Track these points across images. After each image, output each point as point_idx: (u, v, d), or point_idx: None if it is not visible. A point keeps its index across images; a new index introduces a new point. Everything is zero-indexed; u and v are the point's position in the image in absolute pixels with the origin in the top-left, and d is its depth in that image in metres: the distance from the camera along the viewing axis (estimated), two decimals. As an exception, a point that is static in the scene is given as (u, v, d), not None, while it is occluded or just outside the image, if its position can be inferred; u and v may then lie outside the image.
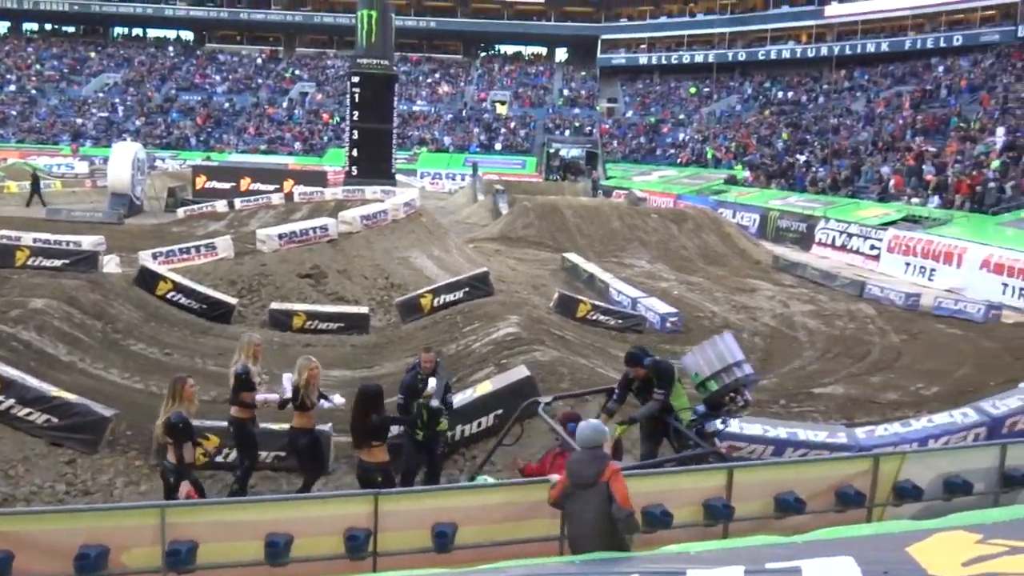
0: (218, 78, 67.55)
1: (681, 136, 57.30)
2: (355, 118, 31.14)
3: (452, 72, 70.34)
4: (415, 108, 63.69)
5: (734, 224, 32.71)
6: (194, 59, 70.20)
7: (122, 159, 32.24)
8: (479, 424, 9.63)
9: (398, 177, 34.47)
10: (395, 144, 33.34)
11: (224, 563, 5.69)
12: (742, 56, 62.12)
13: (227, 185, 33.73)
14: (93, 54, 69.39)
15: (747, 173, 44.74)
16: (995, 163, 30.33)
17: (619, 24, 67.92)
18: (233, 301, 16.53)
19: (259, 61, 70.42)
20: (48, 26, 72.43)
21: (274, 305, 16.34)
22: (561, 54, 74.12)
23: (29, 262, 16.03)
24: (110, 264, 17.42)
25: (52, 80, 65.42)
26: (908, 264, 26.01)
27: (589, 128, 60.82)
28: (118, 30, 73.27)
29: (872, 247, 28.17)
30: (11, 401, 9.17)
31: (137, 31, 73.62)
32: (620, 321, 17.45)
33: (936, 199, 30.17)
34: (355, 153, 31.26)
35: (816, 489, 6.70)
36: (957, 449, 7.89)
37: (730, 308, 20.27)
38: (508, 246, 27.69)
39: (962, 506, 6.50)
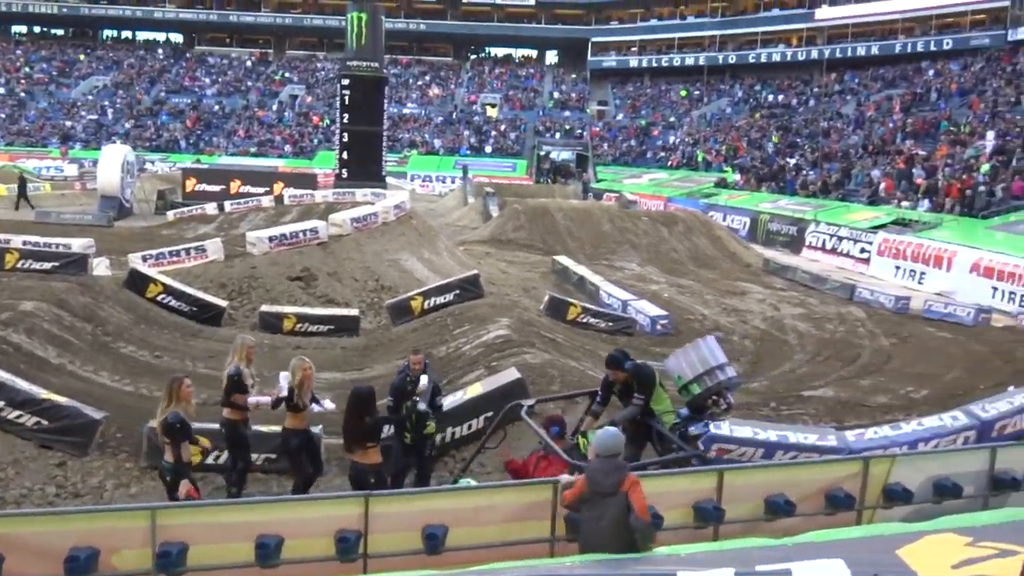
0: (208, 80, 67.42)
1: (671, 139, 57.47)
2: (345, 120, 31.17)
3: (442, 75, 70.40)
4: (405, 110, 63.72)
5: (724, 227, 32.78)
6: (183, 62, 70.05)
7: (112, 162, 32.17)
8: (469, 426, 9.63)
9: (388, 180, 34.48)
10: (385, 146, 33.38)
11: (215, 565, 5.67)
12: (732, 59, 62.35)
13: (217, 188, 33.73)
14: (82, 57, 69.20)
15: (737, 176, 44.84)
16: (985, 167, 30.46)
17: (609, 27, 68.08)
18: (223, 303, 16.48)
19: (249, 63, 70.32)
20: (37, 29, 72.22)
21: (264, 307, 16.32)
22: (551, 56, 74.23)
23: (19, 265, 16.01)
24: (100, 267, 17.38)
25: (41, 83, 65.22)
26: (898, 267, 26.10)
27: (579, 131, 60.91)
28: (107, 32, 73.06)
29: (862, 250, 28.26)
30: (1, 403, 9.14)
31: (126, 34, 73.43)
32: (610, 324, 17.47)
33: (926, 202, 30.28)
34: (345, 156, 31.29)
35: (806, 491, 6.72)
36: (947, 452, 7.91)
37: (720, 311, 20.32)
38: (498, 249, 27.70)
39: (952, 509, 6.53)
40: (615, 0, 67.35)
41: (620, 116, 63.94)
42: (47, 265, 16.11)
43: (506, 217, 31.06)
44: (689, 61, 63.76)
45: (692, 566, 5.07)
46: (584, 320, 17.28)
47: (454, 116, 63.74)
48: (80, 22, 70.70)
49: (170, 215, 30.34)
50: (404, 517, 6.04)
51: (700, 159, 50.83)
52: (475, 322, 15.38)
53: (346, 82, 31.17)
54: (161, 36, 73.48)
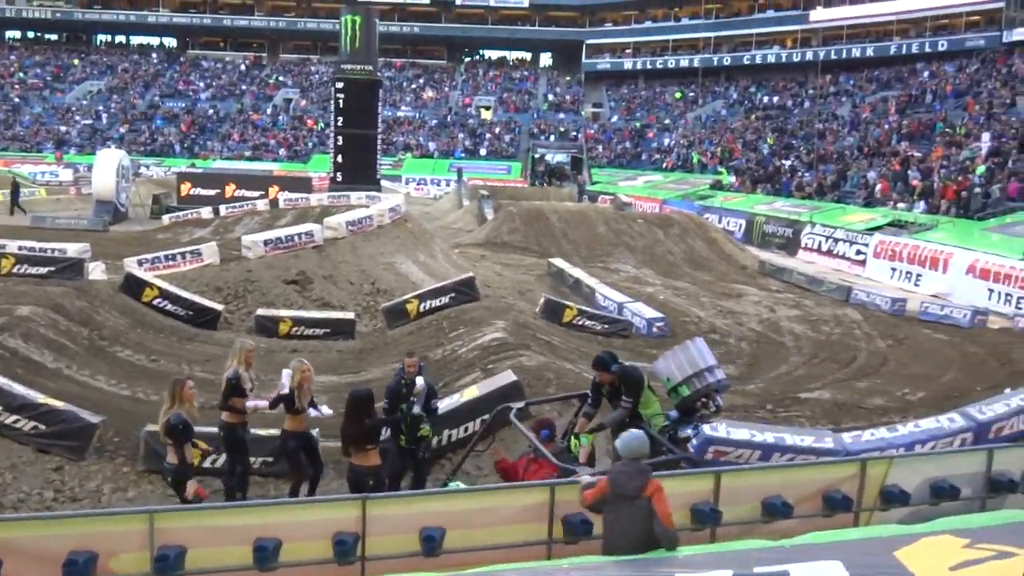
0: (202, 84, 67.33)
1: (666, 141, 57.50)
2: (339, 124, 31.20)
3: (436, 77, 70.40)
4: (400, 114, 63.72)
5: (720, 229, 32.84)
6: (177, 66, 69.95)
7: (106, 166, 32.18)
8: (466, 429, 9.61)
9: (383, 183, 34.50)
10: (380, 150, 33.36)
11: (213, 568, 5.68)
12: (727, 61, 62.44)
13: (212, 192, 33.75)
14: (76, 61, 69.06)
15: (733, 178, 44.89)
16: (980, 168, 30.55)
17: (604, 29, 68.11)
18: (219, 307, 16.51)
19: (243, 67, 70.24)
20: (31, 34, 72.07)
21: (260, 311, 16.32)
22: (546, 59, 74.23)
23: (14, 270, 16.04)
24: (95, 271, 17.39)
25: (35, 88, 65.09)
26: (894, 269, 26.15)
27: (574, 133, 60.94)
28: (101, 37, 72.91)
29: (858, 252, 28.30)
30: (-3, 408, 9.13)
31: (120, 38, 73.29)
32: (606, 326, 17.48)
33: (922, 204, 30.35)
34: (340, 159, 31.31)
35: (804, 493, 6.73)
36: (944, 454, 7.92)
37: (716, 313, 20.33)
38: (494, 251, 27.71)
39: (949, 511, 6.54)
40: (609, 2, 67.38)
41: (615, 118, 64.01)
42: (43, 270, 16.12)
43: (501, 220, 31.07)
44: (684, 63, 63.80)
45: (690, 568, 5.07)
46: (580, 322, 17.28)
47: (448, 119, 63.76)
48: (74, 27, 70.53)
49: (165, 219, 30.36)
50: (402, 519, 6.03)
51: (695, 161, 50.89)
52: (471, 325, 15.38)
53: (340, 85, 31.20)
54: (155, 40, 73.32)
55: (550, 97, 67.14)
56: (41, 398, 9.50)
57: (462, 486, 7.54)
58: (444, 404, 9.64)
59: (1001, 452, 7.33)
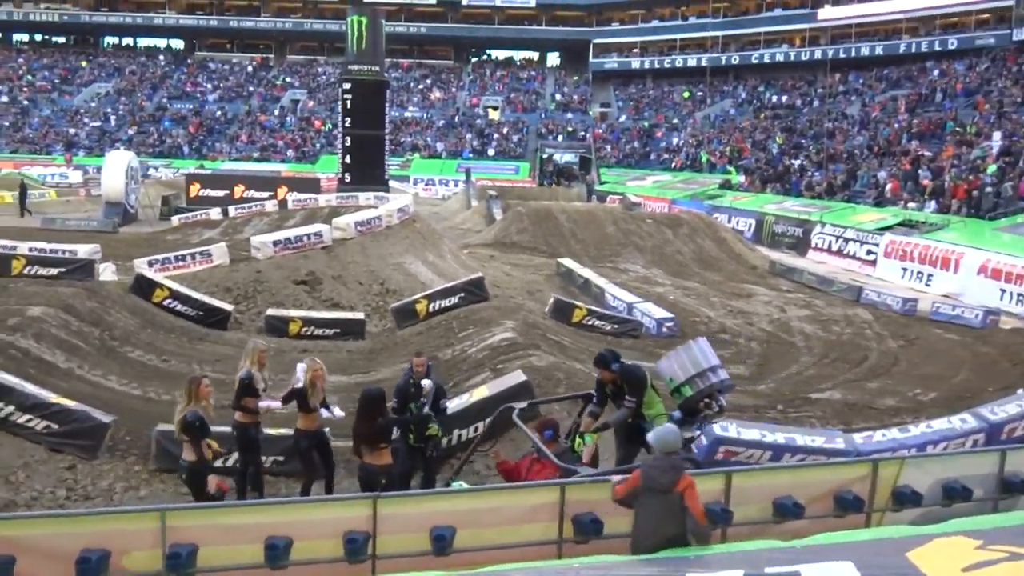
0: (209, 86, 67.56)
1: (675, 140, 57.38)
2: (347, 125, 31.18)
3: (444, 78, 70.46)
4: (407, 114, 63.78)
5: (730, 229, 32.76)
6: (185, 67, 70.20)
7: (116, 168, 32.32)
8: (475, 429, 9.60)
9: (391, 183, 34.51)
10: (388, 150, 33.38)
11: (224, 566, 5.70)
12: (735, 60, 62.31)
13: (221, 193, 33.83)
14: (84, 64, 69.38)
15: (742, 178, 44.79)
16: (991, 167, 30.41)
17: (611, 28, 68.08)
18: (229, 308, 16.55)
19: (250, 69, 70.44)
20: (39, 37, 72.45)
21: (270, 311, 16.36)
22: (553, 59, 74.23)
23: (25, 271, 16.10)
24: (106, 272, 17.45)
25: (44, 90, 65.39)
26: (905, 269, 26.05)
27: (582, 133, 60.89)
28: (109, 39, 73.24)
29: (869, 252, 28.21)
30: (11, 408, 9.19)
31: (127, 40, 73.62)
32: (616, 326, 17.45)
33: (933, 204, 30.23)
34: (348, 160, 31.29)
35: (815, 494, 6.71)
36: (956, 455, 7.88)
37: (726, 313, 20.30)
38: (502, 252, 27.71)
39: (961, 512, 6.52)
40: (616, 1, 67.33)
41: (623, 118, 63.95)
42: (54, 271, 16.18)
43: (510, 220, 31.07)
44: (692, 62, 63.75)
45: (701, 568, 5.07)
46: (590, 322, 17.27)
47: (456, 119, 63.79)
48: (81, 29, 70.85)
49: (175, 220, 30.47)
50: (412, 518, 6.04)
51: (704, 161, 50.78)
52: (480, 325, 15.39)
53: (347, 86, 31.19)
54: (162, 42, 73.65)
55: (558, 97, 67.12)
56: (53, 398, 9.56)
57: (465, 486, 7.54)
58: (454, 404, 9.67)
59: (1014, 453, 7.28)
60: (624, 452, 8.13)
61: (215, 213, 29.91)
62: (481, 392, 10.13)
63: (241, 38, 71.90)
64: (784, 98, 57.04)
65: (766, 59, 60.62)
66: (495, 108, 65.61)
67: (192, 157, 56.93)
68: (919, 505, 6.83)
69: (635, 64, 66.90)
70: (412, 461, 8.50)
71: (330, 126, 57.93)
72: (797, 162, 43.32)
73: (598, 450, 7.96)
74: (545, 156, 55.38)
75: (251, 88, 67.78)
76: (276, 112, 64.30)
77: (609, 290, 20.20)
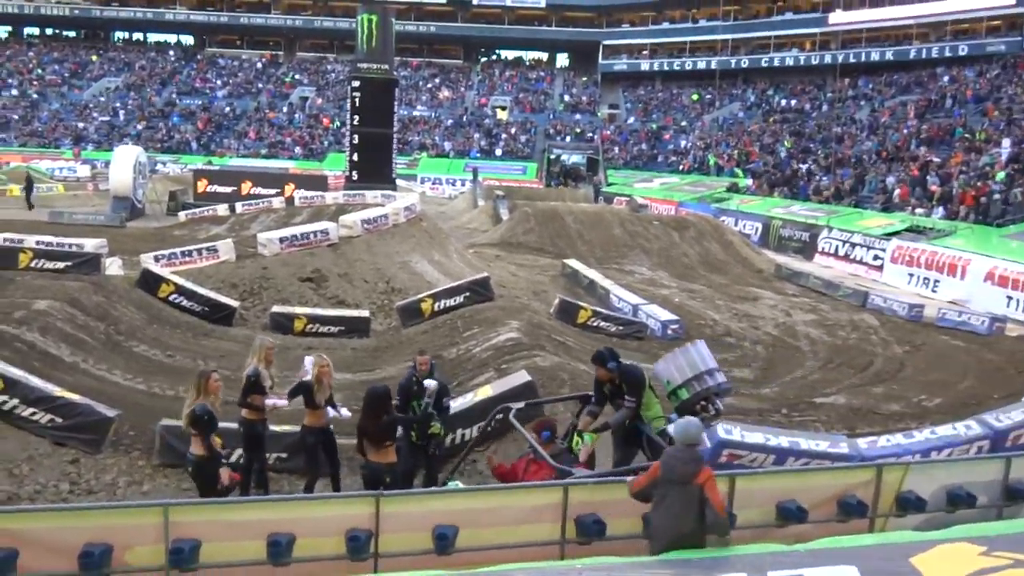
0: (218, 82, 67.71)
1: (683, 143, 57.32)
2: (355, 123, 31.22)
3: (452, 77, 70.49)
4: (415, 113, 63.81)
5: (736, 232, 32.70)
6: (194, 63, 70.37)
7: (124, 163, 32.40)
8: (479, 428, 9.61)
9: (398, 182, 34.55)
10: (395, 149, 33.41)
11: (227, 562, 5.70)
12: (745, 63, 62.20)
13: (228, 189, 33.97)
14: (94, 58, 69.61)
15: (749, 181, 44.73)
16: (1000, 174, 30.34)
17: (621, 30, 68.01)
18: (235, 304, 16.57)
19: (259, 65, 70.56)
20: (49, 31, 72.69)
21: (276, 308, 16.39)
22: (562, 59, 74.22)
23: (32, 264, 16.16)
24: (112, 266, 17.50)
25: (54, 84, 65.63)
26: (912, 275, 25.99)
27: (590, 134, 60.85)
28: (119, 34, 73.47)
29: (875, 257, 28.17)
30: (15, 401, 9.23)
31: (138, 35, 73.84)
32: (621, 328, 17.43)
33: (940, 210, 30.15)
34: (355, 158, 31.34)
35: (818, 498, 6.69)
36: (961, 461, 7.86)
37: (732, 316, 20.26)
38: (508, 252, 27.70)
39: (965, 519, 6.50)
40: (626, 3, 67.27)
41: (631, 119, 63.90)
42: (60, 265, 16.25)
43: (516, 220, 31.07)
44: (701, 65, 63.65)
45: (704, 570, 5.06)
46: (594, 324, 17.25)
47: (464, 119, 63.81)
48: (92, 24, 71.13)
49: (182, 216, 30.51)
50: (415, 517, 6.04)
51: (712, 163, 50.72)
52: (485, 325, 15.39)
53: (356, 84, 31.23)
54: (172, 38, 73.89)
55: (566, 98, 67.10)
56: (58, 391, 9.58)
57: (461, 485, 7.54)
58: (458, 403, 9.67)
59: (1019, 460, 7.26)
60: (622, 454, 8.10)
61: (222, 209, 29.95)
62: (485, 392, 10.13)
63: (251, 35, 72.04)
64: (793, 102, 56.89)
65: (776, 63, 60.48)
66: (503, 108, 65.63)
67: (200, 153, 57.06)
68: (923, 511, 6.81)
69: (644, 66, 66.84)
70: (415, 459, 8.51)
71: (338, 124, 58.00)
72: (805, 166, 43.24)
73: (595, 452, 7.93)
74: (553, 157, 55.32)
75: (260, 85, 67.91)
76: (284, 109, 64.42)
77: (614, 291, 20.19)
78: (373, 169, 30.95)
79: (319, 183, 34.57)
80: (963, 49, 49.99)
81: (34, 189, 35.17)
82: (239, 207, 29.94)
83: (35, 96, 63.80)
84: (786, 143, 48.84)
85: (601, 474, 7.09)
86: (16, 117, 60.46)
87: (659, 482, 5.53)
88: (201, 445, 7.23)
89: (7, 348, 11.23)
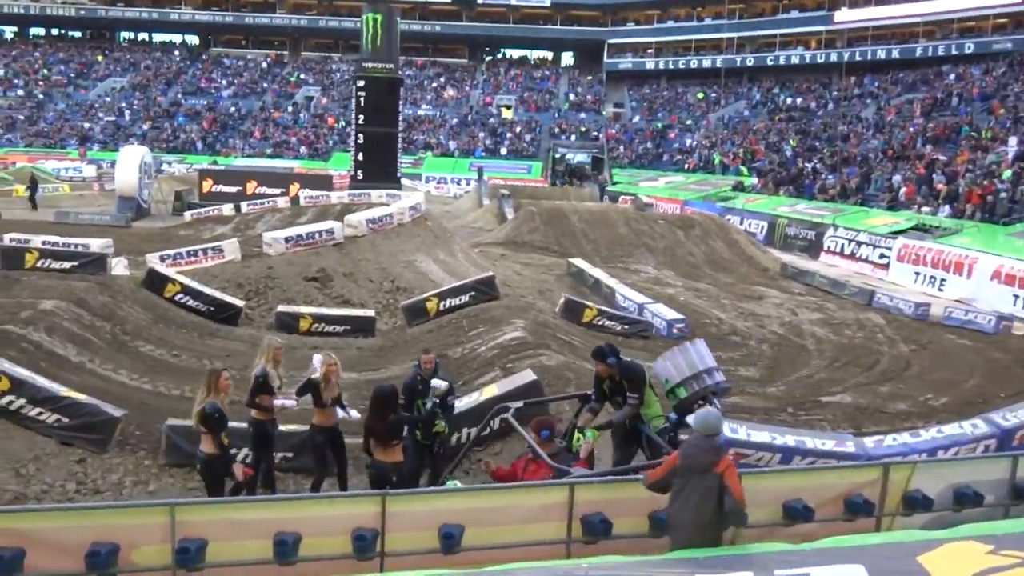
0: (224, 82, 67.81)
1: (688, 142, 57.24)
2: (360, 122, 31.20)
3: (457, 76, 70.50)
4: (420, 112, 63.83)
5: (742, 231, 32.65)
6: (199, 63, 70.49)
7: (129, 163, 32.51)
8: (487, 427, 9.60)
9: (403, 181, 34.55)
10: (400, 148, 33.41)
11: (233, 561, 5.71)
12: (750, 61, 62.10)
13: (233, 189, 34.02)
14: (100, 58, 69.76)
15: (755, 179, 44.66)
16: (1006, 172, 30.25)
17: (626, 28, 67.96)
18: (240, 303, 16.59)
19: (264, 65, 70.66)
20: (55, 31, 72.94)
21: (281, 308, 16.40)
22: (567, 58, 74.22)
23: (38, 264, 16.19)
24: (118, 266, 17.53)
25: (59, 85, 65.78)
26: (918, 274, 25.91)
27: (595, 133, 60.81)
28: (124, 34, 73.71)
29: (881, 256, 28.09)
30: (22, 401, 9.23)
31: (143, 35, 74.08)
32: (626, 327, 17.41)
33: (947, 208, 30.06)
34: (360, 157, 31.32)
35: (825, 497, 6.68)
36: (968, 460, 7.85)
37: (737, 315, 20.24)
38: (514, 251, 27.71)
39: (972, 518, 6.48)
40: (631, 1, 67.19)
41: (636, 118, 63.84)
42: (66, 265, 16.27)
43: (521, 219, 31.07)
44: (706, 63, 63.58)
45: (710, 569, 5.06)
46: (600, 323, 17.23)
47: (469, 118, 63.81)
48: (97, 24, 71.31)
49: (187, 216, 30.56)
50: (421, 516, 6.04)
51: (717, 162, 50.65)
52: (490, 324, 15.39)
53: (361, 84, 31.22)
54: (177, 38, 74.10)
55: (571, 97, 67.06)
56: (64, 391, 9.59)
57: (459, 485, 7.54)
58: (464, 402, 9.67)
59: (1026, 459, 7.25)
60: (621, 453, 8.08)
61: (227, 209, 29.98)
62: (491, 391, 10.13)
63: (256, 34, 72.14)
64: (799, 100, 56.80)
65: (781, 61, 60.37)
66: (508, 107, 65.61)
67: (205, 153, 57.18)
68: (930, 510, 6.80)
69: (649, 64, 66.76)
70: (420, 458, 8.51)
71: (343, 123, 58.07)
72: (811, 165, 43.16)
73: (594, 451, 7.91)
74: (558, 156, 55.39)
75: (265, 84, 68.01)
76: (290, 109, 64.50)
77: (620, 291, 20.18)
78: (378, 168, 30.92)
79: (324, 183, 34.60)
80: (969, 47, 49.84)
81: (38, 189, 35.25)
82: (244, 207, 29.99)
83: (41, 96, 63.98)
84: (792, 142, 48.76)
85: (599, 473, 7.08)
86: (22, 117, 60.63)
87: (678, 471, 5.56)
88: (211, 443, 7.27)
89: (14, 348, 11.25)
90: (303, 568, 5.76)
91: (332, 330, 15.95)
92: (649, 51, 66.83)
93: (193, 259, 18.92)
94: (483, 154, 57.88)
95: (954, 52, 50.46)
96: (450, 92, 67.67)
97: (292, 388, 8.66)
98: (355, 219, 20.72)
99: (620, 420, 7.85)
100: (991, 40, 48.96)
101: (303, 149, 58.48)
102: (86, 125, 60.50)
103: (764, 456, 8.49)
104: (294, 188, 32.49)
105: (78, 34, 73.07)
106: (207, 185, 35.00)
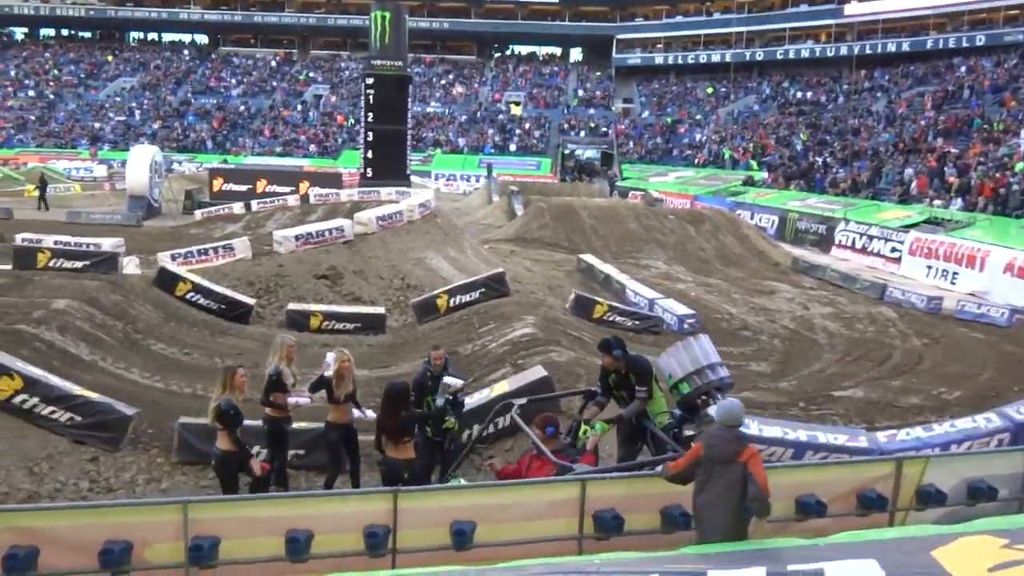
0: (233, 81, 67.96)
1: (698, 137, 57.08)
2: (369, 120, 31.21)
3: (466, 73, 70.44)
4: (429, 109, 63.81)
5: (752, 226, 32.55)
6: (209, 62, 70.67)
7: (140, 162, 32.62)
8: (496, 424, 9.61)
9: (413, 178, 34.55)
10: (409, 145, 33.42)
11: (246, 558, 5.73)
12: (760, 56, 61.83)
13: (243, 187, 34.09)
14: (110, 58, 70.02)
15: (765, 174, 44.51)
16: (1019, 165, 30.04)
17: (634, 24, 67.76)
18: (251, 301, 16.64)
19: (273, 64, 70.77)
20: (65, 32, 73.24)
21: (292, 305, 16.44)
22: (576, 54, 74.04)
23: (51, 264, 16.25)
24: (130, 265, 17.59)
25: (70, 85, 66.07)
26: (930, 267, 25.78)
27: (605, 129, 60.69)
28: (134, 34, 73.95)
29: (893, 250, 27.95)
30: (35, 400, 9.27)
31: (152, 35, 74.25)
32: (637, 322, 17.38)
33: (959, 201, 29.89)
34: (370, 155, 31.34)
35: (838, 492, 6.66)
36: (981, 454, 7.81)
37: (748, 310, 20.18)
38: (523, 247, 27.68)
39: (986, 512, 6.44)
40: (640, -3, 67.13)
41: (645, 114, 63.65)
42: (78, 264, 16.33)
43: (531, 215, 31.05)
44: (715, 58, 63.31)
45: (724, 564, 5.04)
46: (611, 318, 17.20)
47: (478, 115, 63.77)
48: (107, 24, 71.57)
49: (198, 214, 30.66)
50: (433, 513, 6.05)
51: (727, 157, 50.50)
52: (501, 320, 15.39)
53: (370, 81, 31.23)
54: (186, 37, 74.24)
55: (580, 92, 66.93)
56: (77, 390, 9.63)
57: (464, 482, 7.54)
58: (474, 399, 9.67)
59: (1040, 452, 7.21)
60: (626, 450, 8.05)
61: (238, 207, 30.09)
62: (501, 387, 10.12)
63: (265, 33, 72.26)
64: (809, 94, 56.51)
65: (791, 55, 60.08)
66: (517, 103, 65.53)
67: (215, 152, 57.29)
68: (943, 504, 6.77)
69: (658, 60, 66.53)
70: (431, 455, 8.52)
71: (352, 121, 58.06)
72: (821, 159, 42.99)
73: (597, 449, 7.88)
74: (567, 152, 55.30)
75: (274, 83, 68.13)
76: (299, 107, 64.59)
77: (630, 286, 20.14)
78: (387, 166, 30.94)
79: (334, 181, 34.63)
80: (980, 39, 49.46)
81: (48, 189, 35.40)
82: (254, 205, 30.11)
83: (51, 97, 64.28)
84: (802, 136, 48.56)
85: (603, 469, 7.05)
86: (33, 118, 60.94)
87: (702, 462, 5.57)
88: (227, 440, 7.31)
89: (27, 347, 11.30)
90: (315, 565, 5.76)
91: (342, 328, 15.99)
92: (658, 46, 66.60)
93: (204, 258, 18.97)
94: (492, 151, 57.83)
95: (965, 44, 50.12)
96: (459, 89, 67.64)
97: (306, 386, 8.68)
98: (365, 217, 20.75)
99: (631, 414, 7.81)
100: (1002, 32, 48.53)
101: (312, 147, 58.57)
102: (97, 125, 60.75)
103: (776, 451, 8.47)
104: (304, 186, 32.54)
105: (88, 34, 73.37)
106: (217, 184, 35.11)
